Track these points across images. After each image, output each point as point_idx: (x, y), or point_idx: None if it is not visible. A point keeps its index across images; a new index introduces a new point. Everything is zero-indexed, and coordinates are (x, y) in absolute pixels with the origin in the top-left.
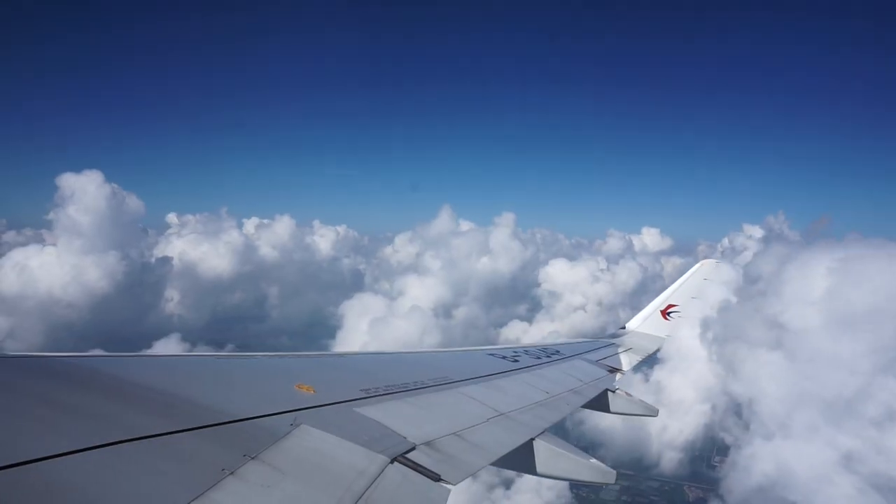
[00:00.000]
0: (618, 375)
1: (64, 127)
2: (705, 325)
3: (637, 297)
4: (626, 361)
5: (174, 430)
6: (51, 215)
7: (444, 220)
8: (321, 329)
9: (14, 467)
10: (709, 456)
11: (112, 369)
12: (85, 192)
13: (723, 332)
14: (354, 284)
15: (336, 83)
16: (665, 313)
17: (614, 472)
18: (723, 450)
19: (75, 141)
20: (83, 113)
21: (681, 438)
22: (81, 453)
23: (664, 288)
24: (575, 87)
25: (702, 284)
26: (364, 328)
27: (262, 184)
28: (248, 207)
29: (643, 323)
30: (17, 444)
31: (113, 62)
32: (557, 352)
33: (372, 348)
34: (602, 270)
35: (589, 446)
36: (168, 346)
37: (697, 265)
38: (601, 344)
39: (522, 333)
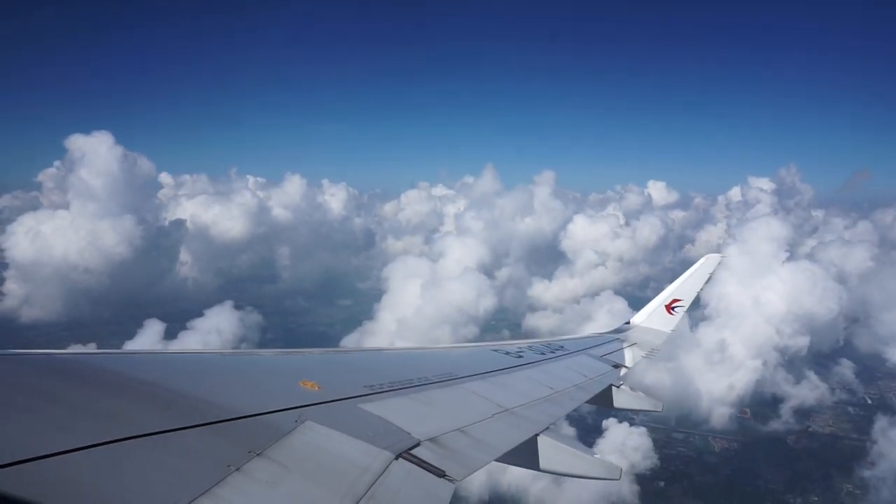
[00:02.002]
0: (622, 371)
1: (44, 84)
2: (856, 291)
3: (657, 253)
4: (631, 357)
5: (179, 426)
6: (40, 177)
7: (486, 180)
8: (337, 289)
9: (20, 464)
10: (759, 411)
11: (117, 366)
12: (96, 153)
13: (879, 298)
14: (367, 243)
15: (337, 44)
16: (669, 308)
17: (620, 467)
18: (773, 404)
19: (57, 98)
20: (65, 69)
21: (732, 394)
22: (87, 450)
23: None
24: (574, 34)
25: (706, 279)
26: (412, 291)
27: (257, 142)
28: (246, 167)
29: (648, 318)
30: (24, 441)
31: (99, 14)
32: (562, 347)
33: (427, 313)
34: (621, 226)
35: None
36: (222, 313)
37: (702, 259)
38: (606, 339)
39: (544, 291)
